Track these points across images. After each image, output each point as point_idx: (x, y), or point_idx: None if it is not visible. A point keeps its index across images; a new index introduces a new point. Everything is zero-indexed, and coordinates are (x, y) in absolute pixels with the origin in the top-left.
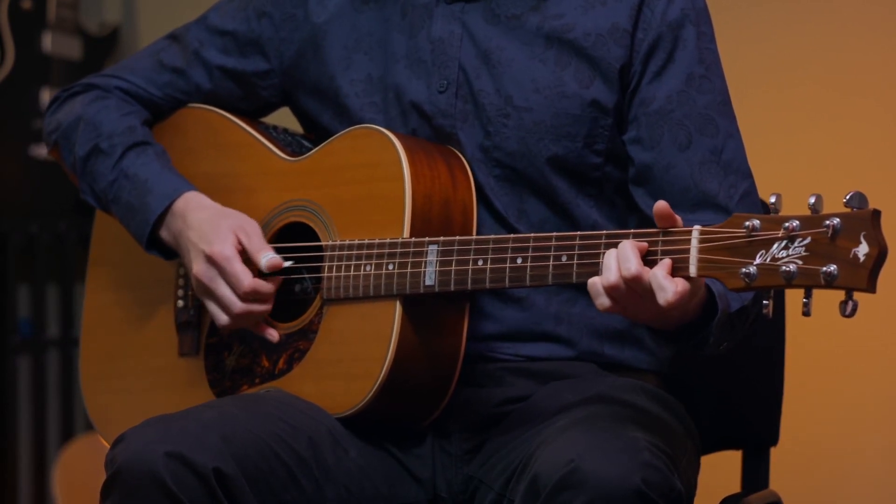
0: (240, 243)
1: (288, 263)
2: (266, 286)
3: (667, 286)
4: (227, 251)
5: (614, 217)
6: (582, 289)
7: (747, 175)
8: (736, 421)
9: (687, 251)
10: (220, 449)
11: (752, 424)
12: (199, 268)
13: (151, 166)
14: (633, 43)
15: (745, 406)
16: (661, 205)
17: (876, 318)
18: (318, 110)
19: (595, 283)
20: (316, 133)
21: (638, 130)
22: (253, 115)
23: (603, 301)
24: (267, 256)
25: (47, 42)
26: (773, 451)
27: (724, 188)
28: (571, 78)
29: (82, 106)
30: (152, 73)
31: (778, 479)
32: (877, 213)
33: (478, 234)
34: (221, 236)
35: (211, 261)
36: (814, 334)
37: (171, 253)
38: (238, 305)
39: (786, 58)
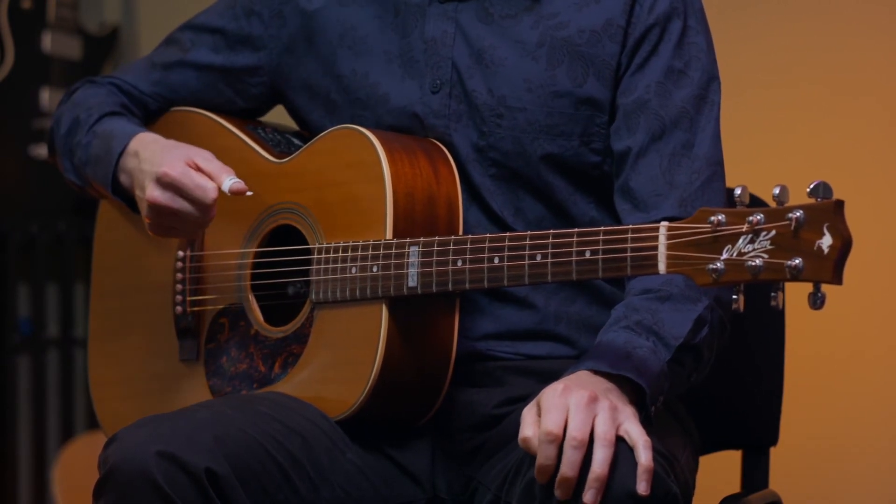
0: (195, 164)
1: (249, 193)
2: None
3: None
4: (178, 167)
5: (613, 213)
6: (580, 287)
7: (715, 161)
8: (736, 421)
9: (655, 248)
10: (212, 449)
11: (752, 424)
12: (153, 194)
13: (121, 122)
14: (626, 38)
15: (745, 406)
16: None
17: (876, 317)
18: (307, 107)
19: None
20: (308, 130)
21: (617, 121)
22: (246, 115)
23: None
24: (231, 180)
25: (47, 42)
26: (773, 451)
27: (691, 180)
28: (564, 76)
29: (76, 95)
30: (144, 73)
31: (778, 479)
32: (839, 204)
33: (472, 234)
34: (172, 158)
35: (163, 181)
36: (814, 334)
37: (133, 203)
38: (209, 215)
39: (783, 57)
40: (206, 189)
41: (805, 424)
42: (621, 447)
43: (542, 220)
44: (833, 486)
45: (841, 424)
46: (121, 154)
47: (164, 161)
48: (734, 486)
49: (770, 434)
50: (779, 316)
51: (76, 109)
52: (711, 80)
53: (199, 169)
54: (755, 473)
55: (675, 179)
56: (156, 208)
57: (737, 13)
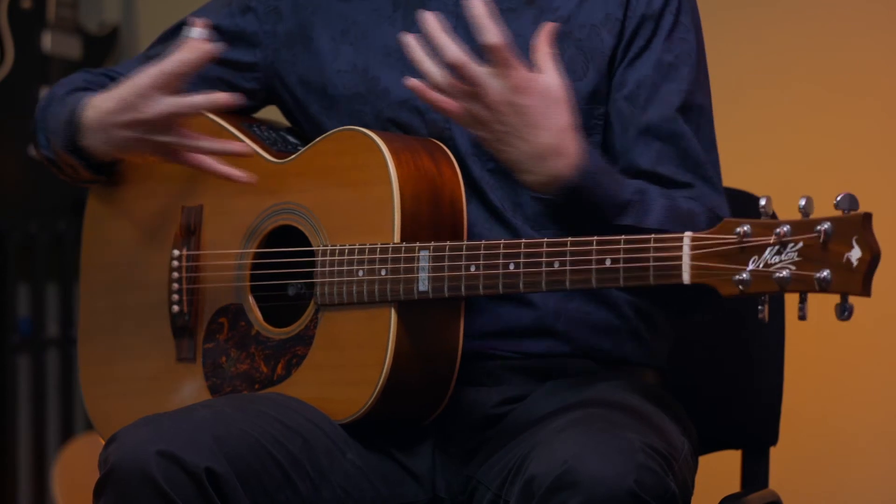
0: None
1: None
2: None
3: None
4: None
5: None
6: None
7: (701, 163)
8: (736, 421)
9: (679, 258)
10: (212, 448)
11: (752, 424)
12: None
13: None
14: (622, 30)
15: (745, 406)
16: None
17: (876, 317)
18: (305, 102)
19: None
20: (303, 126)
21: (611, 115)
22: (240, 110)
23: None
24: (192, 30)
25: (47, 42)
26: (773, 451)
27: (679, 175)
28: (566, 70)
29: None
30: (136, 64)
31: (778, 479)
32: (867, 216)
33: (472, 231)
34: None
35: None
36: (814, 334)
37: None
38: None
39: (783, 57)
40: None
41: (805, 424)
42: (619, 444)
43: (539, 216)
44: (833, 486)
45: (841, 424)
46: (81, 111)
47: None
48: (734, 486)
49: (770, 434)
50: (779, 316)
51: (57, 88)
52: (699, 81)
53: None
54: (755, 473)
55: (663, 171)
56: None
57: (736, 13)
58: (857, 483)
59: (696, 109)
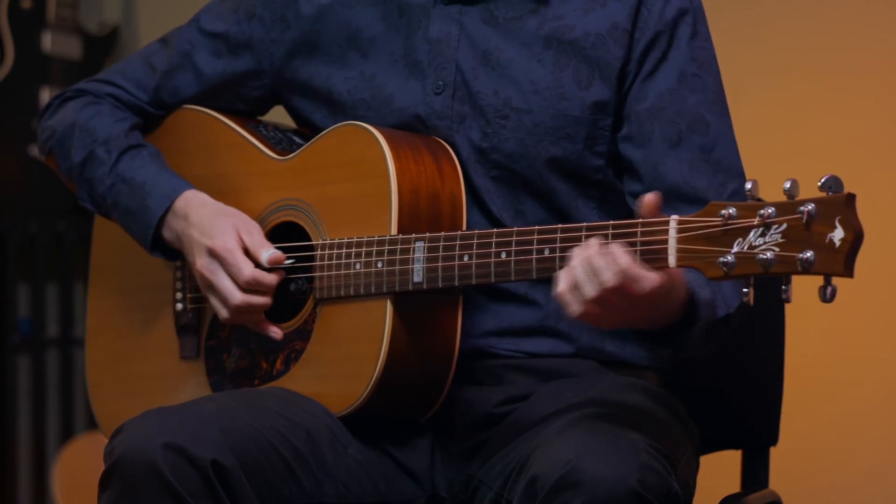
0: (241, 239)
1: (289, 261)
2: (267, 277)
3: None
4: (228, 244)
5: (616, 219)
6: None
7: (738, 174)
8: (736, 421)
9: (665, 241)
10: (219, 442)
11: (752, 424)
12: (201, 262)
13: (147, 168)
14: (632, 43)
15: (745, 406)
16: (651, 197)
17: (877, 317)
18: (310, 109)
19: (563, 295)
20: (309, 130)
21: (629, 128)
22: (246, 114)
23: (575, 310)
24: (268, 252)
25: (47, 42)
26: (773, 451)
27: (714, 186)
28: (570, 79)
29: (75, 112)
30: (142, 78)
31: (778, 479)
32: (851, 197)
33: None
34: (222, 230)
35: (213, 254)
36: (814, 334)
37: (174, 254)
38: (238, 296)
39: (783, 57)
40: (242, 271)
41: (805, 424)
42: (621, 444)
43: (542, 224)
44: (833, 486)
45: (841, 424)
46: (164, 215)
47: (214, 232)
48: (734, 486)
49: (770, 434)
50: (779, 315)
51: (88, 139)
52: (722, 87)
53: (242, 242)
54: (755, 473)
55: (697, 185)
56: (200, 275)
57: (736, 13)
58: (857, 483)
59: (722, 118)
